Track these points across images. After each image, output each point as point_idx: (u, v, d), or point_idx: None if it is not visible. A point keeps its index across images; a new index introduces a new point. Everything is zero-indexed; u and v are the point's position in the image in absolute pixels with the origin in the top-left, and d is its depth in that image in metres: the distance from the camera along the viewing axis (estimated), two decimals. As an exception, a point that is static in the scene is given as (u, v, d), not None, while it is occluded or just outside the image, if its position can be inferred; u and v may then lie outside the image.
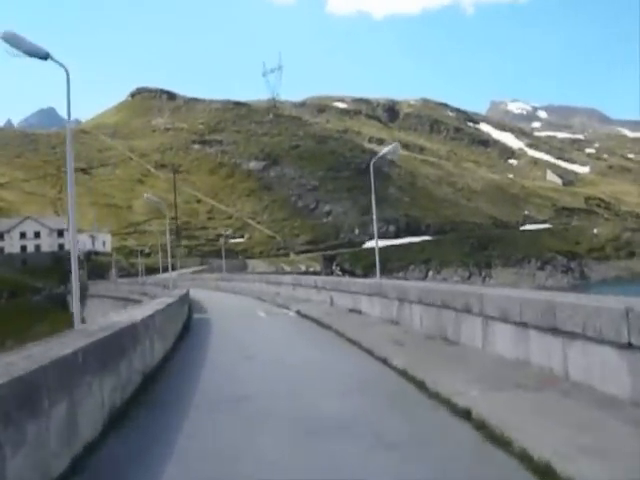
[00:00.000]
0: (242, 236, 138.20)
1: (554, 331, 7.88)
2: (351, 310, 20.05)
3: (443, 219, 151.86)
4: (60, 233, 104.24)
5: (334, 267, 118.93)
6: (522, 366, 8.59)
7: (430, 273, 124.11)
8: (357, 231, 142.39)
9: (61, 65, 10.76)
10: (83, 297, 76.45)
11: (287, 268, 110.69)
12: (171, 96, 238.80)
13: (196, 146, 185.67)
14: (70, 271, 12.14)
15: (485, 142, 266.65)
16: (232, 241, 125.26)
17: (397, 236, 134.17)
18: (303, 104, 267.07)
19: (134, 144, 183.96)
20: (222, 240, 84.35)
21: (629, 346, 6.35)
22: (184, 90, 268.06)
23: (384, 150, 23.06)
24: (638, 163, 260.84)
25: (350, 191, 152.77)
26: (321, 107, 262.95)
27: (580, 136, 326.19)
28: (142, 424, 7.47)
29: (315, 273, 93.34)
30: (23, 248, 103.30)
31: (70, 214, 12.14)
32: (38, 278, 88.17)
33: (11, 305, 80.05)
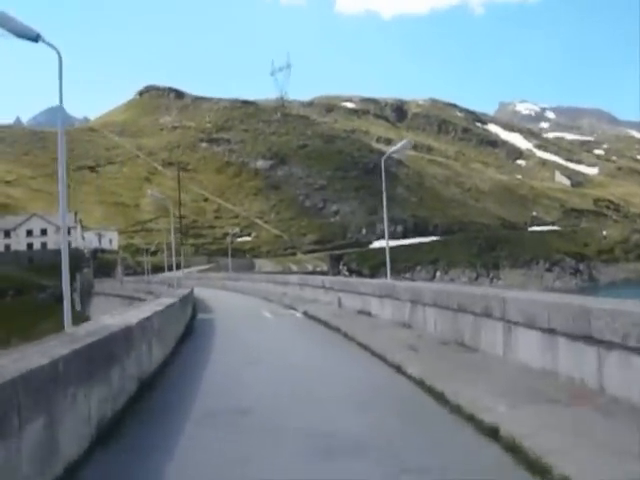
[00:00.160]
0: (249, 234, 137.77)
1: (587, 339, 7.14)
2: (360, 312, 19.36)
3: (451, 219, 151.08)
4: (67, 230, 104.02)
5: (341, 267, 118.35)
6: (550, 376, 7.86)
7: (438, 274, 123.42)
8: (364, 231, 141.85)
9: (53, 47, 10.20)
10: (89, 295, 76.26)
11: (294, 267, 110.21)
12: (179, 94, 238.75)
13: (204, 144, 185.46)
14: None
15: (493, 143, 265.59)
16: (239, 240, 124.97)
17: (405, 236, 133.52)
18: (311, 103, 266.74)
19: (142, 142, 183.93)
20: (229, 239, 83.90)
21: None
22: (192, 88, 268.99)
23: (396, 146, 22.35)
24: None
25: (358, 191, 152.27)
26: (329, 107, 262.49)
27: (589, 137, 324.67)
28: (134, 439, 6.78)
29: (322, 273, 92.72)
30: (29, 245, 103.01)
31: (61, 210, 11.54)
32: (44, 276, 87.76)
33: (17, 303, 79.80)
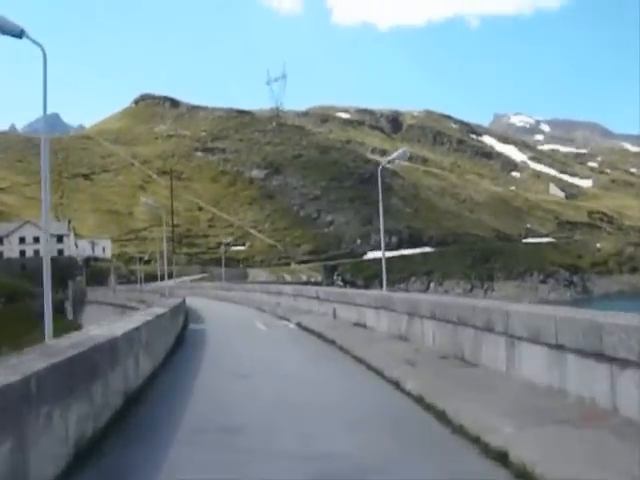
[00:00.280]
0: (243, 244, 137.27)
1: (599, 356, 6.75)
2: (355, 324, 18.94)
3: (445, 231, 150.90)
4: (60, 238, 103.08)
5: (335, 277, 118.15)
6: (558, 395, 7.46)
7: (432, 285, 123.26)
8: (359, 241, 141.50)
9: (38, 44, 9.87)
10: (82, 303, 75.65)
11: (288, 278, 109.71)
12: (174, 103, 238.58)
13: (198, 154, 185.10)
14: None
15: (488, 154, 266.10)
16: (233, 249, 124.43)
17: (399, 247, 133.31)
18: (306, 114, 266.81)
19: (137, 150, 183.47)
20: (222, 248, 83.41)
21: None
22: (187, 97, 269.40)
23: (393, 155, 22.01)
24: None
25: (352, 201, 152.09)
26: (324, 117, 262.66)
27: (583, 150, 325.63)
28: (115, 458, 6.33)
29: (316, 283, 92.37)
30: (22, 253, 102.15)
31: (43, 216, 11.14)
32: (37, 283, 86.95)
33: (9, 310, 78.89)
